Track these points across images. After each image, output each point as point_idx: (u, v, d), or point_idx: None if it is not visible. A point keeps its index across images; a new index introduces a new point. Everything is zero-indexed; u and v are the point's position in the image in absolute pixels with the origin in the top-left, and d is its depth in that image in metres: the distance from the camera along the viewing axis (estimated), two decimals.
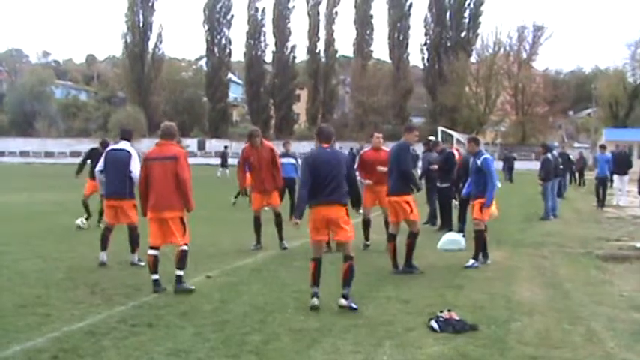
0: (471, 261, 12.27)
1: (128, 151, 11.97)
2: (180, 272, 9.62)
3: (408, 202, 11.40)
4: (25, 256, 12.42)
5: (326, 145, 9.23)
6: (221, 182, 37.87)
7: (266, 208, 14.35)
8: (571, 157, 38.09)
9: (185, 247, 9.71)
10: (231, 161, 43.42)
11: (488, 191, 12.30)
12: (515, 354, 6.96)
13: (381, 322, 8.13)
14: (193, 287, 9.68)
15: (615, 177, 27.32)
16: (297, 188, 9.20)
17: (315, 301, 8.75)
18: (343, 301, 8.66)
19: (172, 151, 9.81)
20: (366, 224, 14.27)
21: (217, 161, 51.09)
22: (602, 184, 25.73)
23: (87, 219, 16.86)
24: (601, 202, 25.31)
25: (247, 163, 13.93)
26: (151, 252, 9.71)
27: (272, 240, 14.11)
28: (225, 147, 52.45)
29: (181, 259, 9.66)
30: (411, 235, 11.61)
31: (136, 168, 11.62)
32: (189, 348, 6.96)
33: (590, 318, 8.58)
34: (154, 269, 9.67)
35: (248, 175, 14.17)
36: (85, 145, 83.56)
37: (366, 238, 14.27)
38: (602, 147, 28.24)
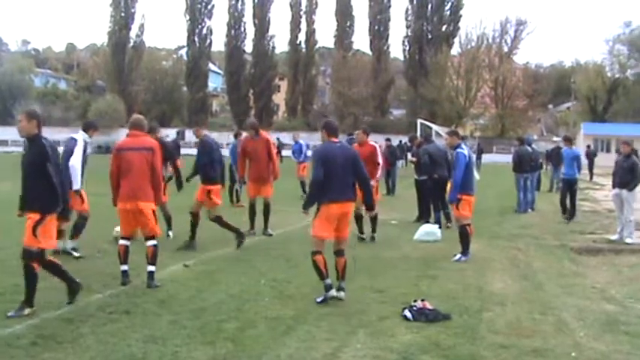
0: (458, 255, 12.16)
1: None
2: (152, 268, 9.47)
3: None
4: (5, 245, 12.35)
5: (335, 140, 9.01)
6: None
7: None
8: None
9: (155, 242, 9.57)
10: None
11: (453, 187, 12.15)
12: (485, 343, 7.09)
13: (356, 310, 8.24)
14: (160, 284, 9.46)
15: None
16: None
17: (333, 292, 8.64)
18: (343, 294, 8.69)
19: (148, 142, 9.78)
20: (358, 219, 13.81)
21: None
22: (570, 187, 19.39)
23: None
24: (569, 212, 19.30)
25: (246, 152, 14.47)
26: (123, 242, 9.65)
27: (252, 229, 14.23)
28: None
29: (153, 255, 9.51)
30: None
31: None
32: (165, 335, 7.04)
33: (562, 308, 8.73)
34: (124, 260, 9.57)
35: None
36: (65, 134, 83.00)
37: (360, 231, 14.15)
38: (567, 139, 21.21)
